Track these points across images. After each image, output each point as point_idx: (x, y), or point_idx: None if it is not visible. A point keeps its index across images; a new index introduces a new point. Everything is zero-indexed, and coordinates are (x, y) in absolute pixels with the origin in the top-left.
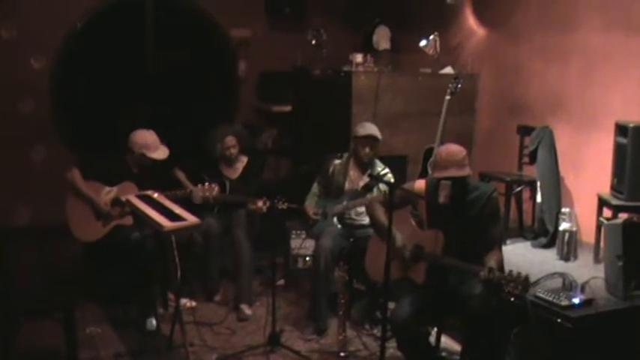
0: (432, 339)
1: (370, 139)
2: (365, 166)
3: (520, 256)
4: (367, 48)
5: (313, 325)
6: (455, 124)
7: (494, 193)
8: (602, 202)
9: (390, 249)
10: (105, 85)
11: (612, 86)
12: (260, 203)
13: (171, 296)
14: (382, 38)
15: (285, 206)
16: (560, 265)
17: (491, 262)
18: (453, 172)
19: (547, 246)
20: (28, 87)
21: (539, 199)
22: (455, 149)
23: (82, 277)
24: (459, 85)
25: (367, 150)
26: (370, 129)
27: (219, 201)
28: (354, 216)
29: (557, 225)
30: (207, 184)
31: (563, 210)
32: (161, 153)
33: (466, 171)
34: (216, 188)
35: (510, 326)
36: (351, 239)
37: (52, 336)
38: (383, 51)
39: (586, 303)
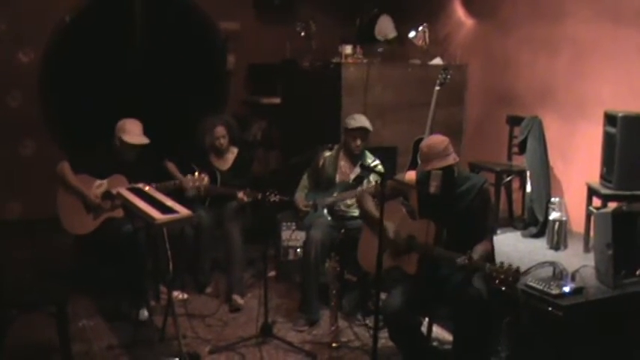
0: (424, 329)
1: (361, 131)
2: (355, 158)
3: (510, 245)
4: (363, 39)
5: (305, 316)
6: (444, 115)
7: (484, 184)
8: (591, 192)
9: (382, 240)
10: (94, 78)
11: (601, 76)
12: (240, 194)
13: (163, 289)
14: (387, 27)
15: (277, 199)
16: (551, 255)
17: (476, 251)
18: (436, 164)
19: (537, 235)
20: (16, 81)
21: (528, 188)
22: (435, 141)
23: (73, 270)
24: (449, 76)
25: (358, 142)
26: (361, 121)
27: (211, 193)
28: (344, 208)
29: (546, 214)
30: (197, 173)
31: (552, 199)
32: (138, 139)
33: (450, 160)
34: (206, 178)
35: (501, 315)
36: (342, 230)
37: (45, 329)
38: (384, 41)
39: (576, 291)
